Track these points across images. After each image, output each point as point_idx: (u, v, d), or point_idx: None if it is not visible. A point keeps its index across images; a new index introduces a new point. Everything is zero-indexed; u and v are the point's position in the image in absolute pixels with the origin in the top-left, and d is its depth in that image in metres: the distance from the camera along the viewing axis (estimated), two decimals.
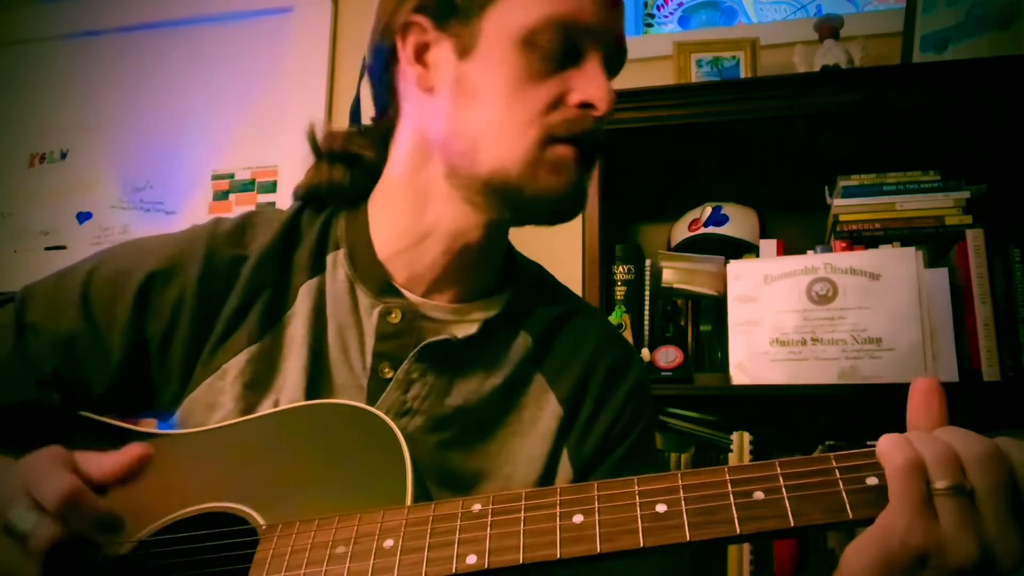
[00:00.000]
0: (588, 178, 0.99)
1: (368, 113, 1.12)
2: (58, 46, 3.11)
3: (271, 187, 2.75)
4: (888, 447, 0.66)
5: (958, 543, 0.62)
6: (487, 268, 1.06)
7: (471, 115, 0.96)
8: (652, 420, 1.11)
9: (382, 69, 1.05)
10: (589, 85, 0.95)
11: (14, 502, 0.74)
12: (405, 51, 1.01)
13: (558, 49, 0.94)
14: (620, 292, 2.13)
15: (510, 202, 0.96)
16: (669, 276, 2.12)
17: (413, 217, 1.02)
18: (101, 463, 0.79)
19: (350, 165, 1.10)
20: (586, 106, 0.95)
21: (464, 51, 0.96)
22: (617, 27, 0.99)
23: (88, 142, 2.99)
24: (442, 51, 0.98)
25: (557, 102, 0.94)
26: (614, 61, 1.00)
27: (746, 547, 1.81)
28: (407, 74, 1.01)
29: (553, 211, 0.98)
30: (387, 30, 1.02)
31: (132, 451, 0.79)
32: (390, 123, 1.07)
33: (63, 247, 2.90)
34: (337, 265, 1.03)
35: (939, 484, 0.63)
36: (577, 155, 0.95)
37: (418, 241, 1.01)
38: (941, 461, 0.64)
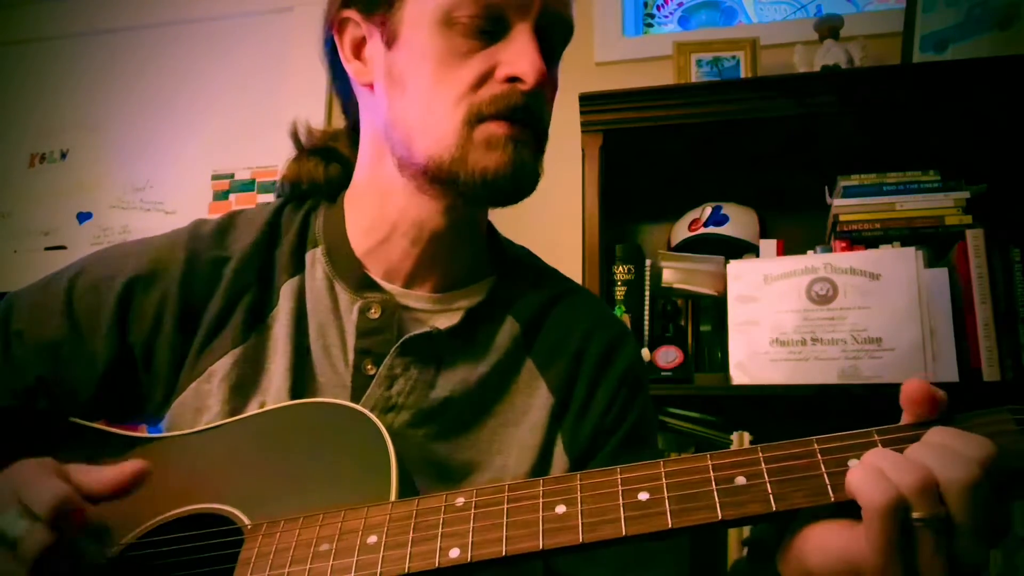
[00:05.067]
0: (533, 155, 0.94)
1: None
2: (58, 46, 3.11)
3: (271, 187, 2.74)
4: (865, 485, 0.62)
5: (930, 569, 0.61)
6: (466, 255, 1.04)
7: (403, 104, 0.94)
8: (647, 404, 1.08)
9: (333, 67, 1.05)
10: (516, 58, 0.90)
11: (4, 509, 0.74)
12: (342, 49, 1.00)
13: (481, 23, 0.91)
14: (620, 292, 2.13)
15: (452, 188, 0.93)
16: (669, 276, 2.12)
17: (379, 212, 1.01)
18: (99, 476, 0.78)
19: (328, 160, 1.10)
20: (514, 80, 0.90)
21: (390, 40, 0.95)
22: None
23: (88, 142, 2.99)
24: (375, 44, 0.97)
25: (485, 78, 0.91)
26: (553, 30, 0.95)
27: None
28: (348, 70, 1.01)
29: (493, 192, 0.93)
30: (328, 27, 1.02)
31: (129, 466, 0.79)
32: (355, 119, 1.06)
33: (63, 247, 2.90)
34: (316, 263, 1.03)
35: (916, 515, 0.61)
36: (511, 131, 0.91)
37: (387, 236, 1.00)
38: (920, 492, 0.61)
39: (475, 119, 0.90)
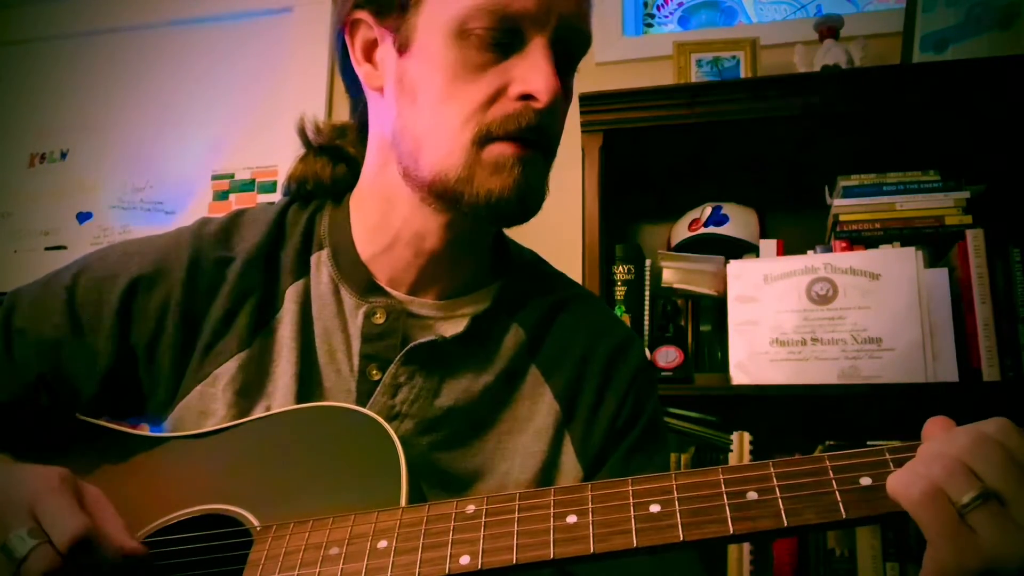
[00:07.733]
0: (540, 176, 0.92)
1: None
2: (58, 46, 3.11)
3: (271, 187, 2.75)
4: (898, 485, 0.63)
5: (1009, 546, 0.60)
6: (470, 263, 1.03)
7: (412, 114, 0.92)
8: (658, 405, 1.07)
9: (343, 65, 1.03)
10: (530, 74, 0.87)
11: (16, 522, 0.74)
12: (353, 50, 0.99)
13: (496, 36, 0.87)
14: (620, 292, 2.13)
15: (455, 206, 0.92)
16: (669, 276, 2.12)
17: (383, 219, 0.99)
18: (121, 531, 0.79)
19: (336, 161, 1.08)
20: (527, 98, 0.88)
21: (403, 46, 0.93)
22: (566, 6, 0.90)
23: (88, 142, 2.99)
24: (386, 48, 0.95)
25: (497, 95, 0.88)
26: (570, 43, 0.92)
27: (746, 548, 1.81)
28: (359, 73, 0.99)
29: (496, 215, 0.91)
30: (340, 26, 1.00)
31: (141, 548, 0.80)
32: (364, 118, 1.04)
33: (63, 247, 2.89)
34: (321, 266, 1.02)
35: (964, 500, 0.60)
36: (519, 152, 0.89)
37: (391, 244, 0.99)
38: (954, 477, 0.61)
39: (484, 139, 0.88)
